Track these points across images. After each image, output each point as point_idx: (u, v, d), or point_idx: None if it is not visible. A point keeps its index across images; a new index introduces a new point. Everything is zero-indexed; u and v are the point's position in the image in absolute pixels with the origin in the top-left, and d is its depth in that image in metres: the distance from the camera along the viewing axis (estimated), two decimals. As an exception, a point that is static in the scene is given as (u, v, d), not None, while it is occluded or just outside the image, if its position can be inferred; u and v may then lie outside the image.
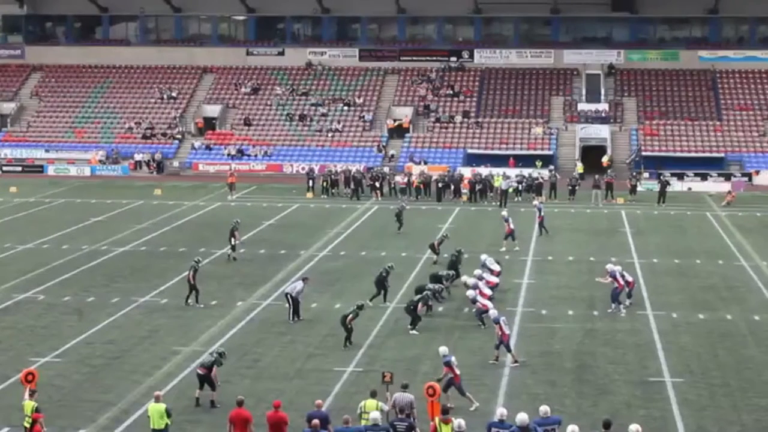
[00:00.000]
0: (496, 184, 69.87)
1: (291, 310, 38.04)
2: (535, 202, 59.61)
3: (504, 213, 54.87)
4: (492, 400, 29.17)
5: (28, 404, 25.01)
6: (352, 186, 70.64)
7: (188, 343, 34.91)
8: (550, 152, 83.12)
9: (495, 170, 74.30)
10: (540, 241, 54.49)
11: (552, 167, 76.50)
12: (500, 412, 23.92)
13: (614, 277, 39.71)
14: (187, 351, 33.93)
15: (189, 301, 39.96)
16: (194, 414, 28.01)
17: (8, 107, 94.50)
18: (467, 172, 74.46)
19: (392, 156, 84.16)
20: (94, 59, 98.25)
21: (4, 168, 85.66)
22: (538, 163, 78.92)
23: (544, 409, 23.92)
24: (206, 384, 28.89)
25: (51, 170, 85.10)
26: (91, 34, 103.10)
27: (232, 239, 49.21)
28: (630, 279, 40.75)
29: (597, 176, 71.59)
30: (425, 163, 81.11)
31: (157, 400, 25.35)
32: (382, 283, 40.91)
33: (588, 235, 55.86)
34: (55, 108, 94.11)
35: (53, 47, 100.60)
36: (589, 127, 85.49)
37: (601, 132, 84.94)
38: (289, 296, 38.20)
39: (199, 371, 29.14)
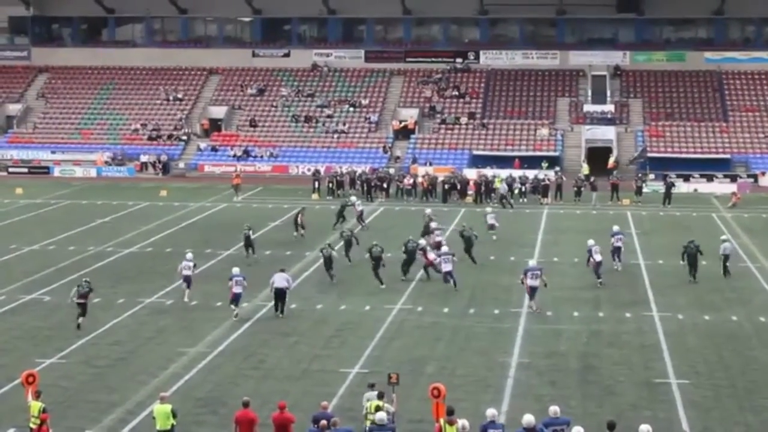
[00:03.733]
0: (497, 185, 69.95)
1: (280, 304, 38.59)
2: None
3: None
4: (497, 401, 29.14)
5: (35, 405, 25.05)
6: (365, 187, 70.80)
7: (194, 344, 34.95)
8: (556, 153, 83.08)
9: (496, 172, 74.32)
10: (545, 242, 54.47)
11: (558, 168, 76.46)
12: (491, 413, 23.91)
13: (590, 253, 44.35)
14: (192, 352, 33.97)
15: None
16: (200, 415, 28.04)
17: (14, 108, 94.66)
18: (473, 174, 74.47)
19: (398, 157, 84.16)
20: (101, 61, 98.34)
21: (11, 169, 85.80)
22: (544, 165, 78.82)
23: (554, 409, 23.80)
24: (85, 311, 36.89)
25: (57, 171, 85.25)
26: (98, 36, 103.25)
27: (298, 222, 55.13)
28: (599, 259, 44.21)
29: (593, 178, 71.34)
30: (431, 164, 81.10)
31: (163, 400, 25.33)
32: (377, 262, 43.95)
33: (593, 237, 55.65)
34: (61, 109, 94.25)
35: (59, 49, 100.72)
36: (595, 129, 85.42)
37: (606, 133, 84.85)
38: (286, 291, 38.63)
39: (80, 301, 36.85)
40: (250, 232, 49.98)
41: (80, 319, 36.86)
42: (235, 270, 39.40)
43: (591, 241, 45.42)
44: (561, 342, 35.41)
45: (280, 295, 38.64)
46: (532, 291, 39.60)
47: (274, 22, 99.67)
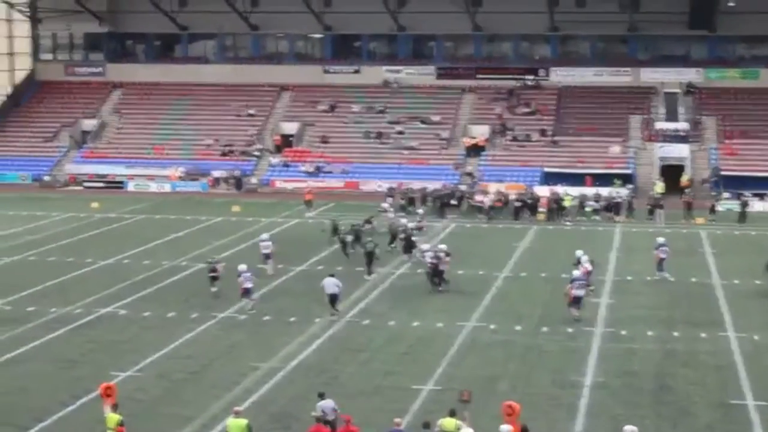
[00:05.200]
0: (566, 204, 69.62)
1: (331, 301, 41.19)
2: None
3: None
4: (570, 420, 29.04)
5: (112, 417, 25.35)
6: (436, 204, 70.86)
7: (267, 359, 35.13)
8: (628, 171, 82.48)
9: (566, 189, 73.90)
10: (619, 261, 54.10)
11: (630, 186, 75.91)
12: (506, 429, 23.87)
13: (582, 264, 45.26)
14: (265, 367, 34.15)
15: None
16: (273, 430, 28.15)
17: (90, 124, 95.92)
18: (544, 191, 74.16)
19: (469, 174, 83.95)
20: (173, 77, 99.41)
21: (86, 184, 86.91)
22: (617, 182, 78.29)
23: (630, 429, 23.62)
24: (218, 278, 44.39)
25: (131, 186, 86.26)
26: (170, 52, 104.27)
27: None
28: (590, 268, 45.09)
29: (654, 195, 71.07)
30: (501, 182, 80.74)
31: (237, 415, 25.52)
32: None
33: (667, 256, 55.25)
34: (135, 125, 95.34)
35: (133, 65, 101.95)
36: (668, 146, 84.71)
37: (680, 151, 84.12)
38: (338, 295, 41.27)
39: (212, 274, 44.76)
40: (336, 223, 57.02)
41: (213, 290, 44.37)
42: (242, 267, 43.14)
43: (579, 252, 46.99)
44: (635, 361, 35.11)
45: (332, 299, 41.09)
46: (576, 300, 40.64)
47: (345, 39, 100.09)
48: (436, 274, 46.16)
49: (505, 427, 24.00)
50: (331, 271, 45.16)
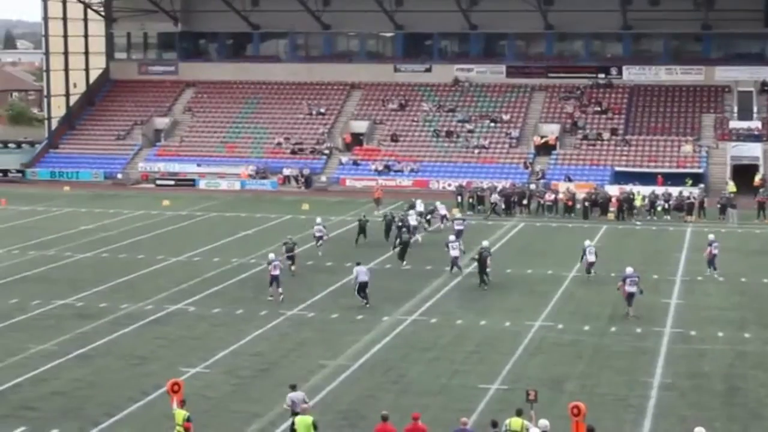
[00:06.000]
0: (637, 203, 69.10)
1: (363, 294, 42.43)
2: None
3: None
4: (639, 421, 28.82)
5: (180, 413, 25.57)
6: (503, 203, 70.59)
7: (334, 356, 35.27)
8: (700, 170, 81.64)
9: (636, 188, 73.36)
10: (689, 261, 53.57)
11: (701, 186, 75.14)
12: (543, 423, 23.91)
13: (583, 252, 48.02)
14: (333, 365, 34.28)
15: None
16: (340, 428, 28.25)
17: (162, 122, 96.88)
18: (614, 190, 73.64)
19: (539, 173, 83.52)
20: (245, 75, 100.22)
21: (158, 181, 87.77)
22: (688, 182, 77.56)
23: (700, 431, 23.38)
24: (294, 261, 47.68)
25: (202, 184, 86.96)
26: (242, 51, 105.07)
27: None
28: (593, 259, 47.79)
29: (726, 194, 70.33)
30: (570, 180, 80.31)
31: (304, 412, 25.63)
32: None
33: (739, 255, 54.57)
34: (206, 123, 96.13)
35: (206, 64, 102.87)
36: (741, 146, 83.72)
37: (753, 150, 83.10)
38: (368, 283, 42.56)
39: (289, 254, 47.83)
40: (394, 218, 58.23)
41: (293, 268, 47.92)
42: (272, 256, 44.86)
43: (587, 242, 49.42)
44: (705, 362, 34.75)
45: (363, 287, 42.39)
46: (630, 297, 40.77)
47: (416, 38, 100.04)
48: (482, 270, 46.30)
49: (542, 421, 24.27)
50: (400, 269, 45.02)
